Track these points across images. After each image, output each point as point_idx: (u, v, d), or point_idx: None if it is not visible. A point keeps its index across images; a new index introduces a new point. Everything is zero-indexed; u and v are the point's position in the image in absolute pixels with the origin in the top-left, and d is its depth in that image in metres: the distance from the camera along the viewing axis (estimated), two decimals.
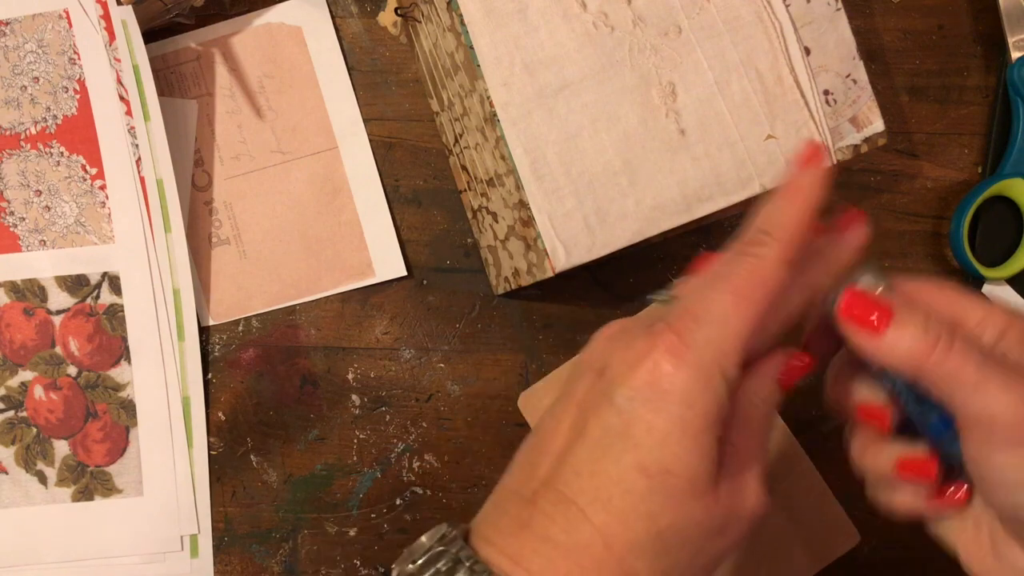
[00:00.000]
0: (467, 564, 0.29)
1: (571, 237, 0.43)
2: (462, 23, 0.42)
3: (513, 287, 0.46)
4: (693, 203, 0.44)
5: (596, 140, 0.43)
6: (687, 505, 0.28)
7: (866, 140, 0.44)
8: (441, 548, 0.29)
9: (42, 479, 0.49)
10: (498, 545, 0.30)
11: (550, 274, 0.43)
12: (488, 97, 0.42)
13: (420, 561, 0.29)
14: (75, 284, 0.49)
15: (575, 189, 0.43)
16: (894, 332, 0.29)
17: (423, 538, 0.30)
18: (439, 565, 0.29)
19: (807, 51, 0.43)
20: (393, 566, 0.30)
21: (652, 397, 0.28)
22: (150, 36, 0.48)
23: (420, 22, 0.48)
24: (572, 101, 0.43)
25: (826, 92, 0.44)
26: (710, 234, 0.51)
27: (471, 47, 0.42)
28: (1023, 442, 0.27)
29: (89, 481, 0.49)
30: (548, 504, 0.30)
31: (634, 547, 0.28)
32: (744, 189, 0.44)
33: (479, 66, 0.42)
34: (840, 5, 0.43)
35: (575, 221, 0.43)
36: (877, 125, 0.44)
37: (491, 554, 0.29)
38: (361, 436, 0.50)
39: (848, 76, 0.43)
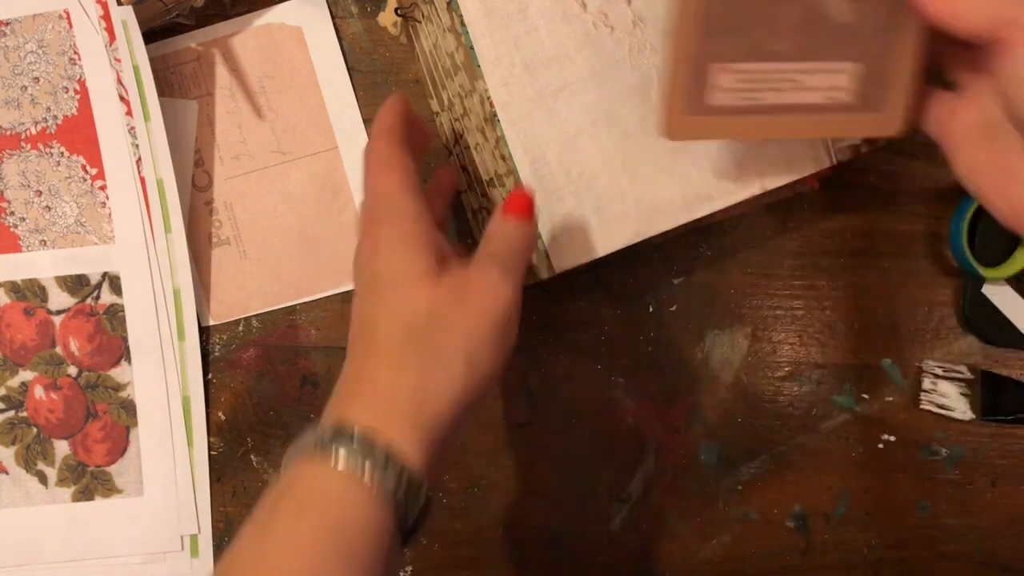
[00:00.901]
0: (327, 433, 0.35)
1: (571, 237, 0.43)
2: (462, 23, 0.42)
3: None
4: (693, 203, 0.44)
5: (596, 140, 0.43)
6: (413, 291, 0.36)
7: (866, 140, 0.44)
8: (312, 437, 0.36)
9: (42, 479, 0.49)
10: (340, 414, 0.36)
11: (550, 274, 0.43)
12: (488, 97, 0.42)
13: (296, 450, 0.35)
14: (75, 284, 0.49)
15: (575, 189, 0.43)
16: None
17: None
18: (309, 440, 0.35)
19: None
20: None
21: (371, 246, 0.38)
22: (150, 36, 0.48)
23: (420, 22, 0.48)
24: (572, 101, 0.43)
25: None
26: (710, 233, 0.51)
27: (471, 47, 0.42)
28: None
29: (89, 481, 0.49)
30: (352, 371, 0.37)
31: (396, 340, 0.36)
32: (744, 189, 0.44)
33: (479, 66, 0.42)
34: None
35: (575, 221, 0.43)
36: None
37: (338, 416, 0.36)
38: None
39: None
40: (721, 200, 0.43)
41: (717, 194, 0.43)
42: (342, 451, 0.33)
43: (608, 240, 0.43)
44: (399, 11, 0.49)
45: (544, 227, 0.42)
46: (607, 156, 0.43)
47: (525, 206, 0.40)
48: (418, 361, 0.35)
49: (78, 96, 0.48)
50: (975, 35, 0.35)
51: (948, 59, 0.40)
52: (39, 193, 0.49)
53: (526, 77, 0.43)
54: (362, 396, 0.36)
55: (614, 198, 0.43)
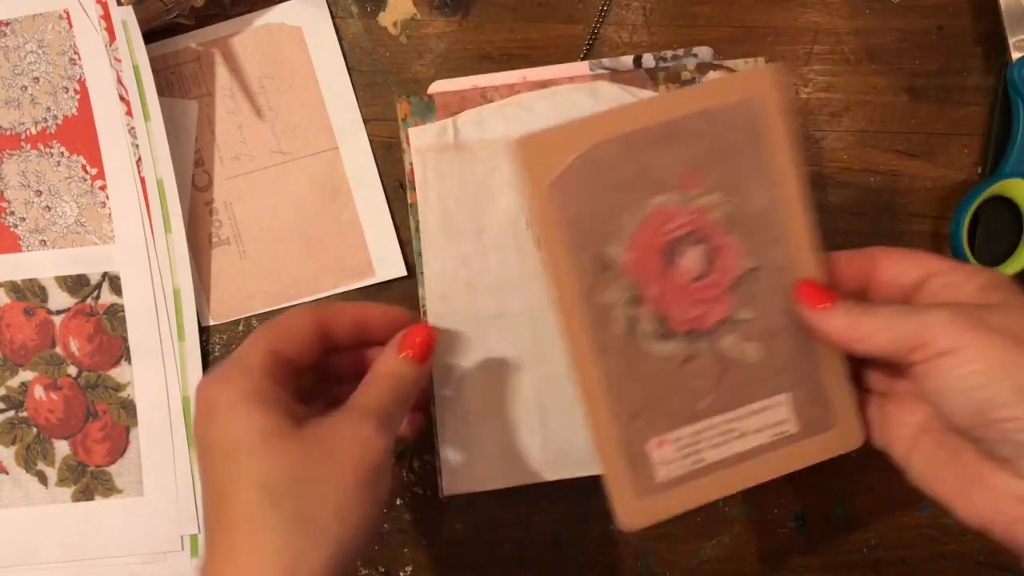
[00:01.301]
0: None
1: (471, 464, 0.43)
2: (417, 229, 0.43)
3: None
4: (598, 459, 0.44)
5: (518, 375, 0.44)
6: (269, 451, 0.33)
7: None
8: None
9: (42, 479, 0.49)
10: None
11: (442, 494, 0.44)
12: (424, 306, 0.43)
13: None
14: (75, 284, 0.49)
15: (485, 417, 0.44)
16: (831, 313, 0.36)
17: None
18: None
19: None
20: None
21: (205, 410, 0.35)
22: (150, 36, 0.48)
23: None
24: (505, 331, 0.43)
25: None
26: None
27: (419, 254, 0.43)
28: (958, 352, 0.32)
29: (89, 481, 0.49)
30: (209, 548, 0.34)
31: (252, 505, 0.32)
32: None
33: (422, 273, 0.43)
34: None
35: (478, 449, 0.43)
36: None
37: None
38: None
39: None
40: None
41: None
42: None
43: (506, 475, 0.44)
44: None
45: (444, 446, 0.43)
46: (525, 392, 0.44)
47: (426, 345, 0.38)
48: (283, 530, 0.32)
49: (78, 96, 0.48)
50: (886, 356, 0.34)
51: (867, 370, 0.39)
52: (39, 193, 0.49)
53: (466, 296, 0.43)
54: None
55: (522, 434, 0.44)
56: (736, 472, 0.39)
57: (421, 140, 0.43)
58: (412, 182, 0.43)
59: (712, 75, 0.44)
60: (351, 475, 0.34)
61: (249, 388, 0.35)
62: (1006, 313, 0.32)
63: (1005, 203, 0.50)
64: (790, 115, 0.38)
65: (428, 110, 0.43)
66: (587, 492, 0.51)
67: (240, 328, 0.50)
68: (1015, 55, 0.49)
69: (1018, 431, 0.31)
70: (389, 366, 0.38)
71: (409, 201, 0.44)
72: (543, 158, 0.37)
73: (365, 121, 0.50)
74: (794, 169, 0.38)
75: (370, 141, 0.50)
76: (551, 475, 0.45)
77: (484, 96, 0.44)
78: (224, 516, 0.33)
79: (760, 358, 0.39)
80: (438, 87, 0.45)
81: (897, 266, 0.37)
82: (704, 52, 0.47)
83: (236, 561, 0.32)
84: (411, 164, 0.43)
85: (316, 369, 0.40)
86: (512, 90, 0.44)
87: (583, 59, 0.50)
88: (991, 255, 0.50)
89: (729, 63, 0.45)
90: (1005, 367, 0.31)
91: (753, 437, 0.39)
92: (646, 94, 0.44)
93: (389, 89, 0.50)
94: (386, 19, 0.50)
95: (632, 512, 0.39)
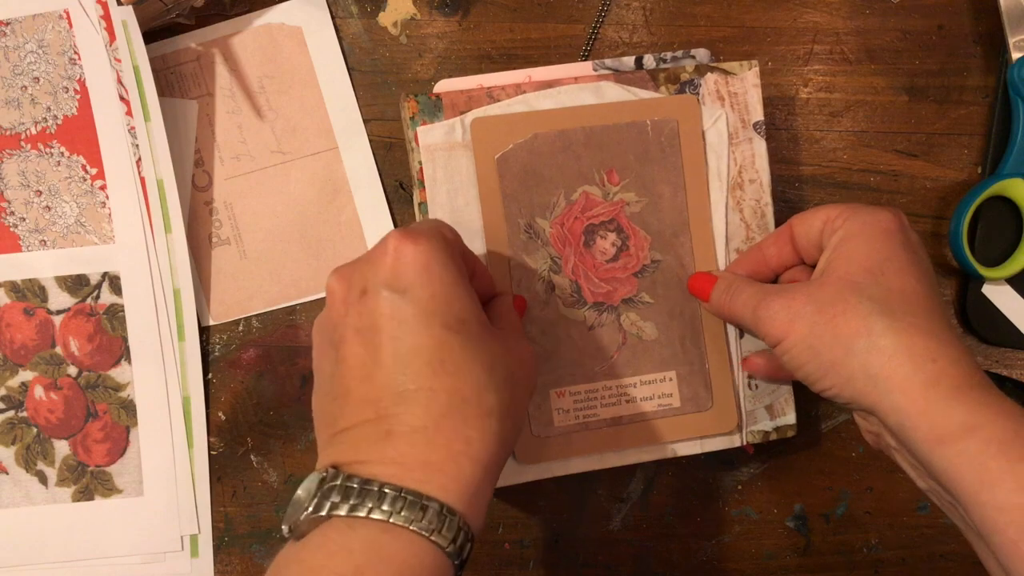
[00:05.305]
0: (357, 486, 0.30)
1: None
2: None
3: None
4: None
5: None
6: (490, 342, 0.34)
7: (776, 429, 0.47)
8: (327, 487, 0.30)
9: (42, 479, 0.49)
10: (373, 461, 0.31)
11: None
12: None
13: (310, 507, 0.30)
14: (75, 284, 0.49)
15: None
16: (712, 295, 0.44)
17: (300, 491, 0.31)
18: (333, 499, 0.30)
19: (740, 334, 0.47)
20: (283, 524, 0.32)
21: (416, 272, 0.32)
22: (150, 36, 0.48)
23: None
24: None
25: (750, 376, 0.47)
26: None
27: None
28: (784, 344, 0.39)
29: (89, 481, 0.49)
30: (394, 408, 0.32)
31: (480, 387, 0.32)
32: (658, 452, 0.47)
33: None
34: None
35: None
36: (790, 417, 0.47)
37: (375, 471, 0.31)
38: None
39: None
40: (635, 457, 0.46)
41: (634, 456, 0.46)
42: (426, 520, 0.30)
43: (507, 475, 0.45)
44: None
45: None
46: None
47: (522, 313, 0.44)
48: (507, 417, 0.33)
49: (78, 96, 0.48)
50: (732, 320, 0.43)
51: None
52: (39, 193, 0.49)
53: None
54: (424, 450, 0.31)
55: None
56: (622, 431, 0.45)
57: (430, 138, 0.43)
58: (421, 180, 0.44)
59: (709, 76, 0.45)
60: (532, 385, 0.37)
61: (463, 272, 0.34)
62: (848, 261, 0.39)
63: (1005, 203, 0.50)
64: (702, 137, 0.45)
65: (436, 109, 0.44)
66: (587, 492, 0.51)
67: (240, 328, 0.50)
68: (1015, 55, 0.49)
69: (834, 396, 0.39)
70: (511, 309, 0.41)
71: (418, 200, 0.44)
72: (493, 137, 0.43)
73: (365, 121, 0.50)
74: (704, 181, 0.45)
75: (370, 141, 0.50)
76: (551, 473, 0.45)
77: (490, 95, 0.44)
78: (431, 388, 0.32)
79: (655, 337, 0.45)
80: (444, 86, 0.45)
81: (804, 224, 0.42)
82: (702, 54, 0.47)
83: (457, 434, 0.31)
84: (420, 163, 0.44)
85: None
86: (518, 90, 0.44)
87: (583, 59, 0.50)
88: (991, 255, 0.50)
89: (725, 65, 0.46)
90: (813, 350, 0.38)
91: (641, 404, 0.45)
92: (646, 94, 0.45)
93: (389, 89, 0.50)
94: (386, 19, 0.50)
95: (528, 448, 0.44)
